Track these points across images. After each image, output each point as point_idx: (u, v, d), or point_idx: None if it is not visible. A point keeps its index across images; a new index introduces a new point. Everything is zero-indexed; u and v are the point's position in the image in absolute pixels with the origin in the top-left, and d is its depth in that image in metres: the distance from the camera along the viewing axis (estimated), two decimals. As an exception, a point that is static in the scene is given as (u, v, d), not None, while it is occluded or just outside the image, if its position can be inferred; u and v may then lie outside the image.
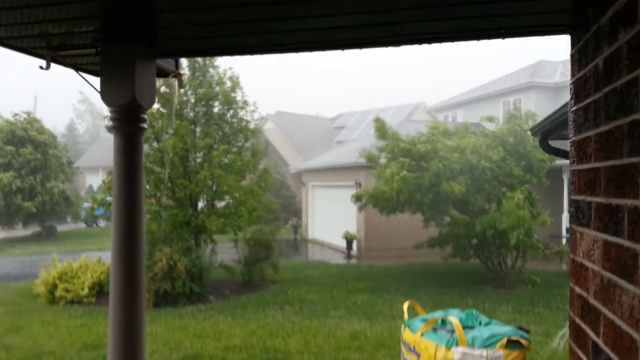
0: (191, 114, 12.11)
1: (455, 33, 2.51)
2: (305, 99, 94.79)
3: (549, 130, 5.33)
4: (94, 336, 7.94)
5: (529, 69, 24.06)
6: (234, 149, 12.31)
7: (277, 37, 2.70)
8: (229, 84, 12.32)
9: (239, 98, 12.36)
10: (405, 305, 4.36)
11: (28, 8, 2.16)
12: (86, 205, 25.05)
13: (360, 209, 13.70)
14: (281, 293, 11.35)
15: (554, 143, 5.65)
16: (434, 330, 3.84)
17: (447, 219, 11.94)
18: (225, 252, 12.72)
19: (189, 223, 11.46)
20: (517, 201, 10.48)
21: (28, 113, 23.63)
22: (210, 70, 12.26)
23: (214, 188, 11.94)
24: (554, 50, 51.02)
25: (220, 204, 12.49)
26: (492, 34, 2.47)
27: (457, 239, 11.87)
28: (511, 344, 3.57)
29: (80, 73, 2.69)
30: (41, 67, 2.60)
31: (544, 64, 23.85)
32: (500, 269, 11.68)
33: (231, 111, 12.33)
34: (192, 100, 12.17)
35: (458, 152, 11.35)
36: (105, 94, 2.30)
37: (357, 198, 12.85)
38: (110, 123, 2.36)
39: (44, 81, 76.27)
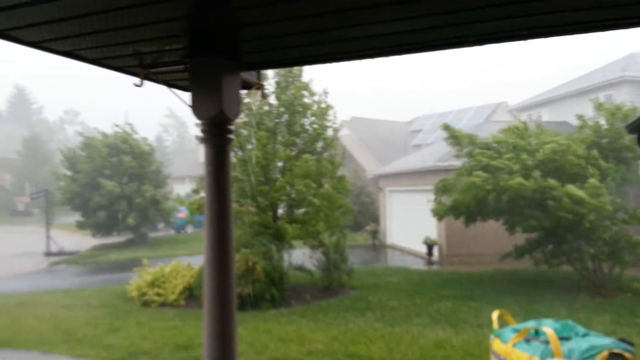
0: (271, 124, 12.43)
1: (545, 28, 2.39)
2: (380, 104, 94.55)
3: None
4: (185, 337, 8.32)
5: (619, 62, 22.44)
6: (313, 157, 12.50)
7: (355, 44, 2.72)
8: (306, 94, 12.57)
9: (315, 107, 12.57)
10: (495, 314, 4.20)
11: (122, 29, 2.33)
12: (180, 210, 26.78)
13: (440, 219, 13.36)
14: (361, 299, 11.31)
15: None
16: (527, 341, 3.67)
17: (532, 222, 11.32)
18: (301, 258, 12.91)
19: (269, 228, 11.75)
20: (592, 186, 9.79)
21: (130, 125, 25.59)
22: (291, 80, 12.57)
23: (292, 195, 12.16)
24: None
25: (299, 211, 12.69)
26: (585, 28, 2.33)
27: (545, 244, 11.26)
28: (613, 357, 3.33)
29: (172, 89, 2.86)
30: (135, 85, 2.78)
31: (635, 57, 22.14)
32: (595, 275, 10.90)
33: (309, 119, 12.55)
34: (273, 110, 12.52)
35: (541, 152, 10.79)
36: (195, 108, 2.42)
37: (436, 212, 12.59)
38: (200, 135, 2.48)
39: (133, 97, 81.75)
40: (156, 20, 2.25)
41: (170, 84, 2.93)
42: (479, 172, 10.82)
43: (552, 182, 10.17)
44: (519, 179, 10.23)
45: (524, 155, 10.79)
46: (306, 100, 12.54)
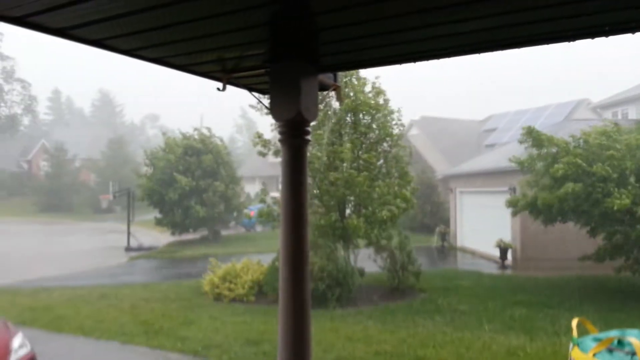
0: (336, 126, 12.51)
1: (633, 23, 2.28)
2: (450, 103, 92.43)
3: None
4: (255, 333, 8.57)
5: None
6: (381, 156, 12.45)
7: (427, 44, 2.74)
8: (370, 93, 12.55)
9: (384, 106, 12.52)
10: (574, 322, 4.01)
11: (207, 37, 2.47)
12: (250, 209, 27.70)
13: (515, 214, 12.85)
14: (430, 302, 11.13)
15: None
16: (610, 351, 3.49)
17: (617, 227, 10.65)
18: (366, 261, 12.89)
19: (336, 229, 11.81)
20: None
21: (209, 128, 27.11)
22: (354, 80, 12.58)
23: (358, 193, 12.12)
24: None
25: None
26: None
27: (629, 249, 10.56)
28: None
29: (252, 93, 2.99)
30: (218, 89, 2.93)
31: None
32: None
33: (377, 119, 12.51)
34: (337, 111, 12.60)
35: (630, 153, 10.11)
36: (274, 110, 2.51)
37: (512, 203, 12.09)
38: (279, 137, 2.57)
39: (209, 98, 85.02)
40: (239, 28, 2.37)
41: (250, 88, 3.07)
42: (572, 184, 10.25)
43: None
44: (618, 201, 9.63)
45: (617, 159, 10.12)
46: (370, 99, 12.51)
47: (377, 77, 12.87)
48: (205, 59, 2.77)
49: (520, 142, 12.01)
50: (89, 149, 51.54)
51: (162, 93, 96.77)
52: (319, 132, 12.06)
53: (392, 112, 12.66)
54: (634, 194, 9.74)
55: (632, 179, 10.02)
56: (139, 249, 22.58)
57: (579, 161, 10.34)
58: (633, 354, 3.33)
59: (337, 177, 11.75)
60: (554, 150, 11.23)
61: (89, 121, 78.66)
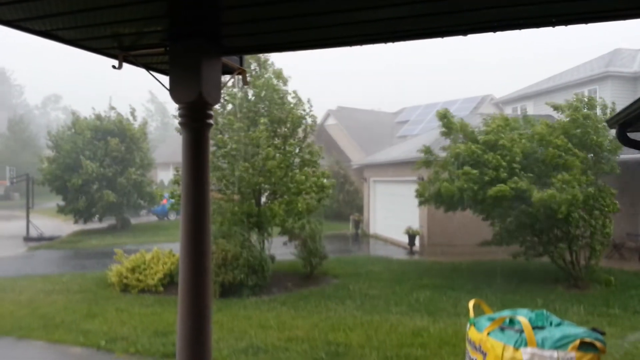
0: (250, 112, 12.37)
1: (530, 19, 2.38)
2: (365, 95, 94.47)
3: (627, 121, 5.01)
4: (164, 324, 8.31)
5: (603, 58, 22.65)
6: (294, 143, 12.48)
7: (337, 30, 2.67)
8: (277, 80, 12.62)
9: (292, 97, 12.64)
10: (471, 303, 4.25)
11: (100, 9, 2.27)
12: (164, 197, 26.60)
13: (421, 204, 13.46)
14: (342, 287, 11.39)
15: (633, 135, 5.30)
16: (502, 329, 3.73)
17: (511, 213, 11.52)
18: (279, 247, 12.94)
19: (251, 216, 11.74)
20: (566, 177, 10.11)
21: (114, 109, 25.61)
22: (264, 68, 12.58)
23: (273, 182, 12.12)
24: (631, 38, 47.45)
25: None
26: (570, 19, 2.33)
27: (522, 235, 11.46)
28: (584, 346, 3.40)
29: (151, 72, 2.82)
30: (114, 67, 2.74)
31: (620, 52, 22.37)
32: (572, 267, 11.11)
33: (287, 108, 12.57)
34: (251, 98, 12.50)
35: (519, 143, 10.97)
36: (174, 92, 2.39)
37: (420, 194, 12.66)
38: (179, 119, 2.46)
39: (115, 81, 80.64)
40: (136, 1, 2.20)
41: (149, 67, 2.88)
42: (469, 169, 10.92)
43: (523, 184, 10.38)
44: (497, 187, 10.48)
45: (508, 148, 10.96)
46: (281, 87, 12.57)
47: (281, 68, 12.91)
48: (98, 34, 2.56)
49: (441, 133, 12.65)
50: (-19, 130, 47.14)
51: (65, 73, 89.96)
52: (230, 117, 11.86)
53: (301, 102, 12.80)
54: (518, 182, 10.55)
55: (517, 168, 10.85)
56: (40, 238, 21.09)
57: (474, 148, 11.11)
58: (522, 331, 3.57)
59: (252, 164, 11.63)
60: (460, 136, 11.92)
61: (-17, 100, 71.86)
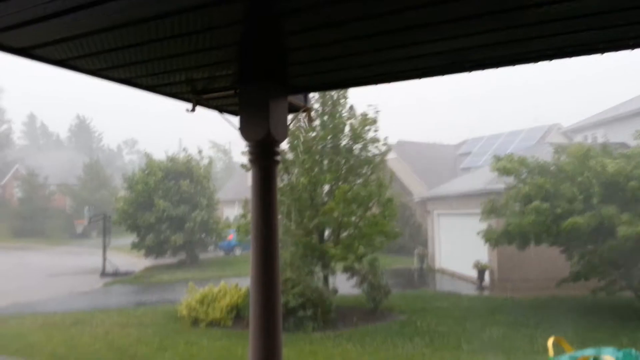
0: (318, 148, 12.58)
1: (608, 43, 2.32)
2: (427, 127, 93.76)
3: None
4: (233, 357, 8.41)
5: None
6: (359, 180, 12.52)
7: (402, 65, 2.70)
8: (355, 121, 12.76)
9: (370, 134, 12.73)
10: (550, 341, 4.02)
11: (175, 57, 2.45)
12: (229, 232, 27.44)
13: (493, 245, 12.95)
14: (409, 324, 11.09)
15: None
16: (584, 369, 3.50)
17: (590, 247, 10.85)
18: (345, 282, 12.83)
19: (315, 251, 11.79)
20: None
21: (185, 149, 27.21)
22: (340, 106, 12.76)
23: (339, 219, 12.17)
24: None
25: (344, 235, 12.69)
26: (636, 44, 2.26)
27: (604, 270, 10.72)
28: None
29: (222, 114, 2.97)
30: (187, 110, 2.90)
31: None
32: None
33: (359, 145, 12.67)
34: (320, 135, 12.70)
35: (596, 174, 10.38)
36: (243, 131, 2.50)
37: (487, 238, 12.25)
38: (249, 157, 2.56)
39: (186, 123, 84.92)
40: (207, 48, 2.35)
41: (220, 109, 3.05)
42: (538, 203, 10.47)
43: (609, 211, 9.76)
44: (572, 220, 9.90)
45: (584, 178, 10.40)
46: (351, 121, 12.70)
47: (369, 105, 13.06)
48: (173, 80, 2.74)
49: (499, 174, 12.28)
50: (64, 173, 50.67)
51: (141, 116, 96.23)
52: (304, 157, 12.07)
53: (376, 140, 12.86)
54: (598, 215, 9.94)
55: (595, 200, 10.24)
56: (115, 274, 22.08)
57: (542, 182, 10.65)
58: (607, 372, 3.33)
59: (317, 202, 11.79)
60: (523, 174, 11.50)
61: (66, 146, 77.52)
